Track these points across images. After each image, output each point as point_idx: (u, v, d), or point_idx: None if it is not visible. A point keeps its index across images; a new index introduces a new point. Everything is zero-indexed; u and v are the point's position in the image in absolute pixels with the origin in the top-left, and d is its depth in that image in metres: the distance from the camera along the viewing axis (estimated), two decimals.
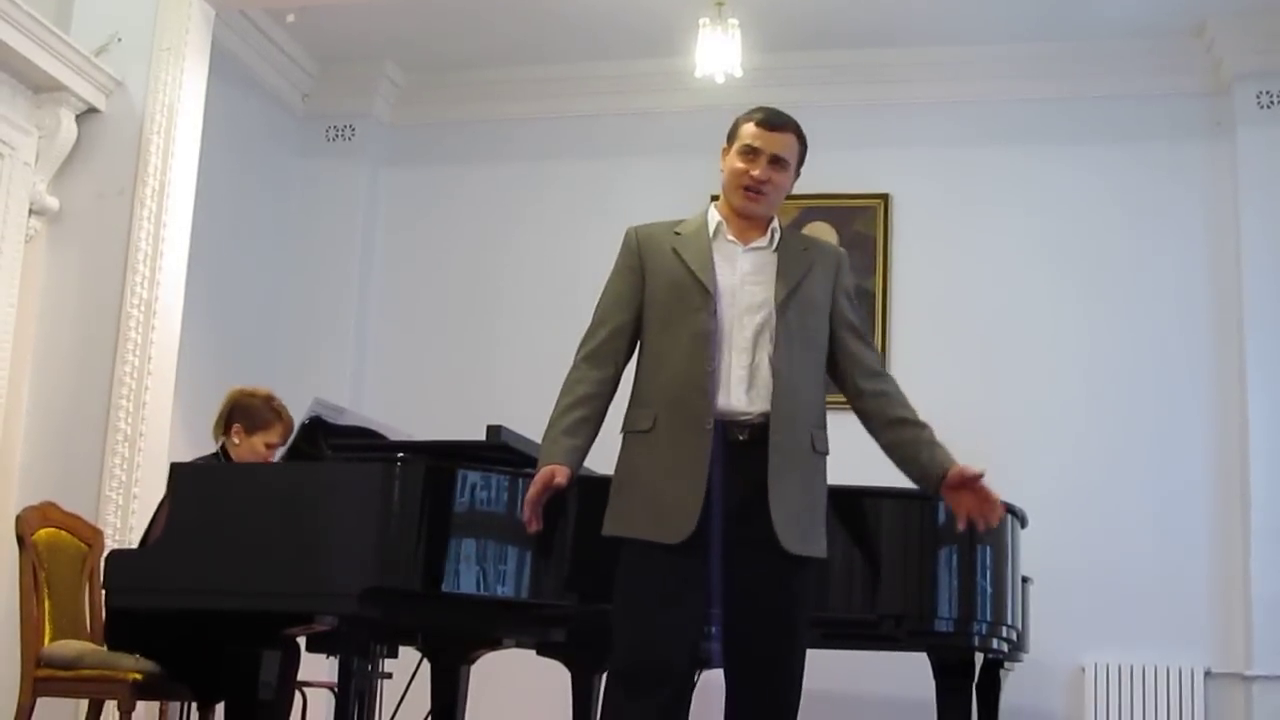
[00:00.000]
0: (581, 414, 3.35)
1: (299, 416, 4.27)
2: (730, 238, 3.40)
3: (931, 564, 4.33)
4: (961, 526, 3.32)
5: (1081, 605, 6.40)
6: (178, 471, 4.18)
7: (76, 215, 5.66)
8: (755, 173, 3.37)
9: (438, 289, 7.53)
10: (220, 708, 4.69)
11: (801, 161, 3.50)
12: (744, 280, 3.33)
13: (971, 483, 3.38)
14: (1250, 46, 6.65)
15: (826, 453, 3.40)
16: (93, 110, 5.69)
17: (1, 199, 5.38)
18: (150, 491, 5.39)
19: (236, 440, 4.78)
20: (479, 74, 7.57)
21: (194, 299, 5.97)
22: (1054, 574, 5.97)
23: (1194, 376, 6.63)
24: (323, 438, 4.22)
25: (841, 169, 7.09)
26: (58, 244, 5.63)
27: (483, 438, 4.01)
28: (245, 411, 4.81)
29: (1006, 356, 6.82)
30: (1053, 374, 6.76)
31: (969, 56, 7.06)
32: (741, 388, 3.25)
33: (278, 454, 4.66)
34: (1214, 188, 6.74)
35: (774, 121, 3.42)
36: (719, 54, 6.07)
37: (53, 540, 4.79)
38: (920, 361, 6.88)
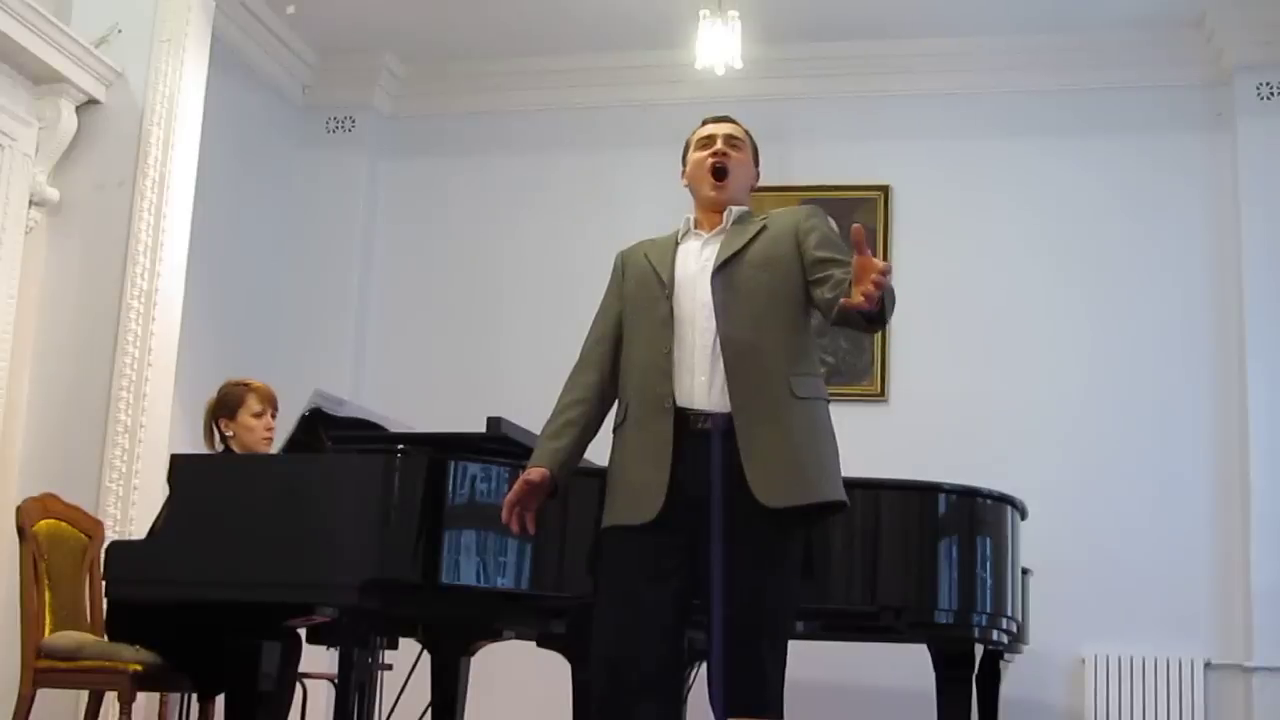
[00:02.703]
0: (566, 417, 3.41)
1: (299, 408, 4.27)
2: (696, 232, 3.47)
3: (931, 556, 4.34)
4: (860, 301, 2.97)
5: (1081, 596, 6.40)
6: (178, 463, 4.18)
7: (77, 206, 5.65)
8: (716, 146, 3.48)
9: (438, 280, 7.53)
10: (221, 699, 4.69)
11: (757, 154, 3.60)
12: (703, 266, 3.37)
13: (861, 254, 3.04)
14: (1250, 38, 6.64)
15: (816, 398, 3.31)
16: (93, 101, 5.69)
17: (2, 190, 5.38)
18: (150, 483, 5.40)
19: (230, 432, 4.79)
20: (479, 65, 7.57)
21: (194, 290, 5.97)
22: (1054, 565, 5.98)
23: (1194, 367, 6.63)
24: (323, 429, 4.22)
25: (842, 160, 7.12)
26: (58, 235, 5.63)
27: (483, 429, 4.01)
28: (219, 404, 4.85)
29: (1007, 347, 6.82)
30: (1053, 365, 6.76)
31: (969, 48, 7.06)
32: (704, 368, 3.26)
33: (280, 441, 4.66)
34: (1214, 179, 6.74)
35: (719, 116, 3.61)
36: (719, 46, 6.07)
37: (53, 531, 4.79)
38: (920, 353, 6.89)
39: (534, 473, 3.32)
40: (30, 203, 5.53)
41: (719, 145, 3.49)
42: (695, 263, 3.38)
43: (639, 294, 3.42)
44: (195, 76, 5.91)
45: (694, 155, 3.54)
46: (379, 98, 7.67)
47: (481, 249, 7.49)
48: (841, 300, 3.07)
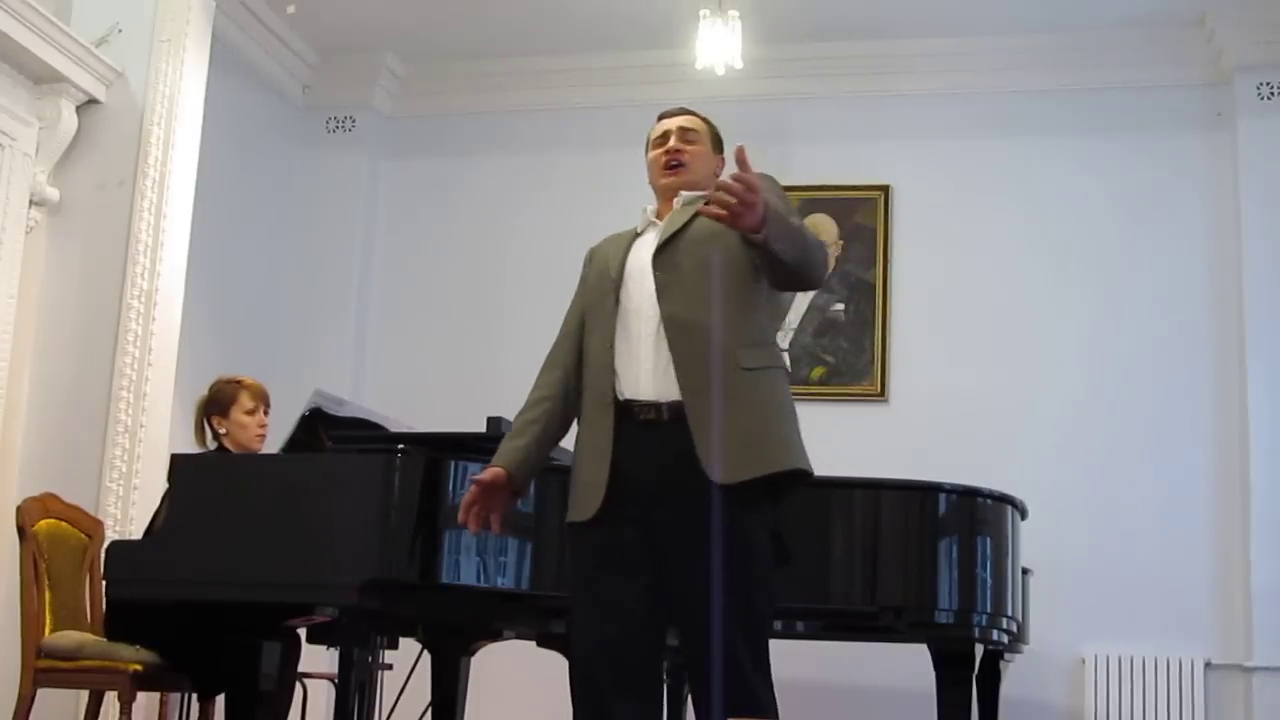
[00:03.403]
0: (527, 416, 3.38)
1: (299, 408, 4.27)
2: (656, 222, 3.42)
3: (931, 555, 4.34)
4: (713, 211, 2.95)
5: (1082, 596, 6.40)
6: (178, 463, 4.18)
7: (77, 206, 5.66)
8: (669, 144, 3.44)
9: (438, 280, 7.53)
10: (221, 699, 4.69)
11: (719, 142, 3.54)
12: (650, 252, 3.33)
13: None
14: (1251, 38, 6.64)
15: (766, 366, 3.22)
16: (93, 101, 5.69)
17: (2, 190, 5.38)
18: (151, 483, 5.40)
19: (222, 430, 4.79)
20: (479, 65, 7.57)
21: (194, 290, 5.97)
22: (1054, 565, 5.99)
23: (1194, 367, 6.63)
24: (323, 429, 4.22)
25: (842, 160, 7.12)
26: (58, 235, 5.63)
27: (483, 429, 4.01)
28: (211, 402, 4.84)
29: (1007, 347, 6.82)
30: (1053, 365, 6.76)
31: (969, 48, 7.06)
32: (649, 354, 3.20)
33: (280, 441, 4.66)
34: (1214, 179, 6.74)
35: (673, 110, 3.56)
36: (719, 46, 6.07)
37: (53, 531, 4.79)
38: (920, 352, 6.89)
39: (486, 472, 3.27)
40: (30, 203, 5.53)
41: (672, 142, 3.45)
42: (646, 253, 3.33)
43: (595, 290, 3.38)
44: (195, 76, 5.91)
45: (650, 155, 3.49)
46: (379, 98, 7.67)
47: (481, 249, 7.49)
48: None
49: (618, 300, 3.28)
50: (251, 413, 4.80)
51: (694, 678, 3.14)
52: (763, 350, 3.24)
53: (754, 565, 3.12)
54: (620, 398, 3.20)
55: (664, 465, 3.12)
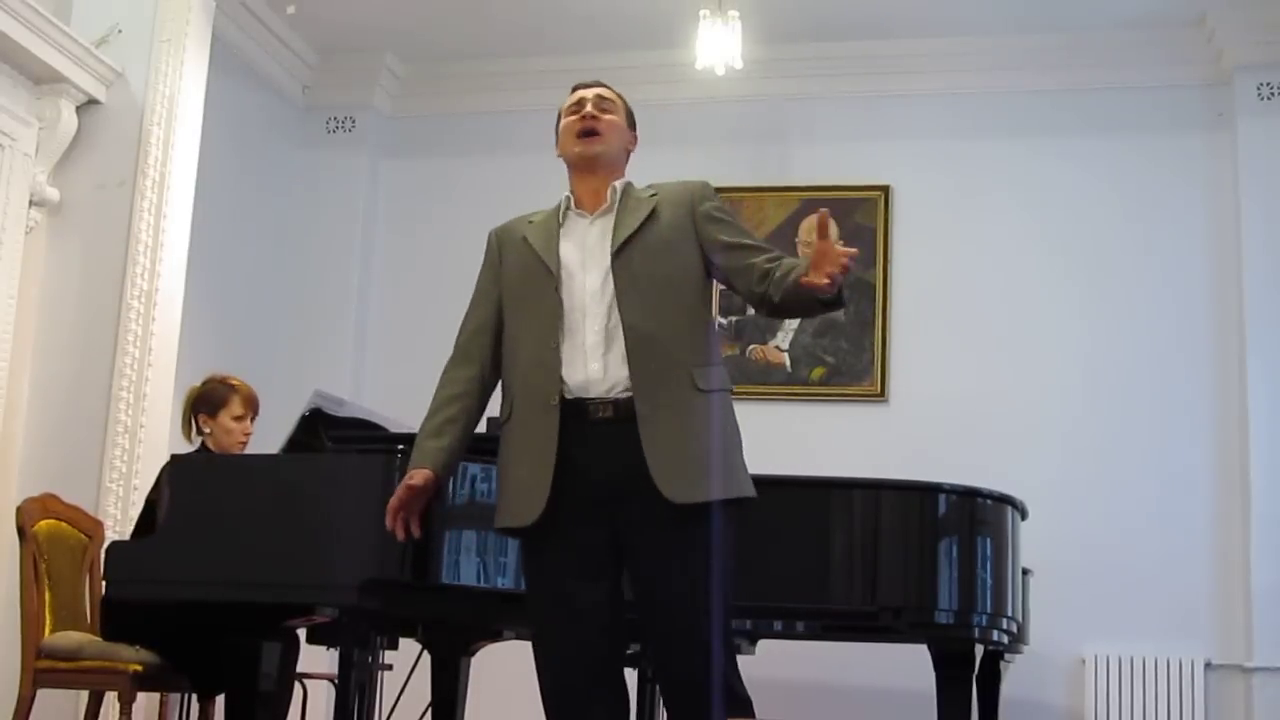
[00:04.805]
0: (445, 414, 3.29)
1: (299, 408, 4.27)
2: (578, 211, 3.33)
3: (931, 556, 4.34)
4: (821, 282, 2.92)
5: (1082, 596, 6.40)
6: (178, 463, 4.18)
7: (77, 207, 5.66)
8: (585, 109, 3.35)
9: (438, 281, 7.50)
10: (221, 699, 4.69)
11: (632, 119, 3.46)
12: (590, 249, 3.24)
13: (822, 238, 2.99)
14: (1251, 38, 6.64)
15: (719, 389, 3.19)
16: (93, 101, 5.69)
17: (2, 190, 5.38)
18: (150, 483, 5.39)
19: (208, 430, 4.78)
20: (479, 65, 7.57)
21: (194, 290, 5.97)
22: (1054, 565, 5.99)
23: (1194, 367, 6.63)
24: (323, 429, 4.22)
25: (842, 160, 7.11)
26: (58, 235, 5.63)
27: (484, 430, 4.01)
28: (203, 399, 4.82)
29: (1007, 348, 6.82)
30: (1053, 365, 6.76)
31: (969, 48, 7.06)
32: (597, 355, 3.13)
33: (280, 442, 4.66)
34: (1214, 179, 6.74)
35: (584, 82, 3.48)
36: (719, 46, 6.06)
37: (53, 532, 4.79)
38: (920, 353, 6.89)
39: (417, 475, 3.18)
40: (30, 203, 5.53)
41: (588, 109, 3.35)
42: (582, 248, 3.24)
43: (522, 283, 3.28)
44: (195, 76, 5.91)
45: (563, 123, 3.40)
46: (379, 98, 7.67)
47: (481, 249, 7.45)
48: (801, 280, 2.97)
49: (560, 300, 3.18)
50: (240, 419, 4.78)
51: (674, 680, 3.09)
52: (715, 371, 3.20)
53: (704, 579, 3.06)
54: (567, 396, 3.12)
55: (627, 464, 3.05)
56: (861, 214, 7.04)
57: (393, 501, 3.18)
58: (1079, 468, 6.58)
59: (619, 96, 3.44)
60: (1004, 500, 4.55)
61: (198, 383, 4.91)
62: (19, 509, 4.71)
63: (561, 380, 3.12)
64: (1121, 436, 6.61)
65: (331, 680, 4.81)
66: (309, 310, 7.41)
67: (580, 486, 3.08)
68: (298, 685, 5.07)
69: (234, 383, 4.85)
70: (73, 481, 5.22)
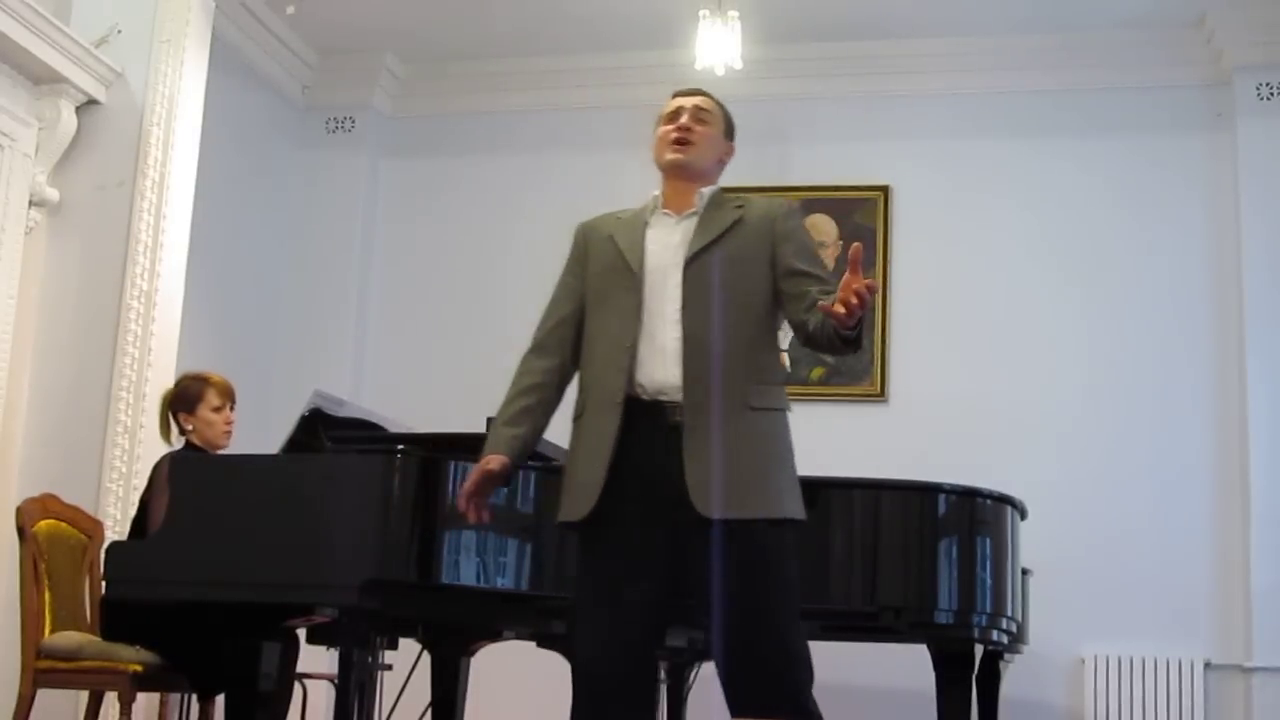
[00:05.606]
0: (524, 403, 3.31)
1: (299, 409, 4.27)
2: (666, 211, 3.35)
3: (931, 556, 4.34)
4: (839, 310, 2.93)
5: (1081, 597, 6.40)
6: (178, 462, 4.19)
7: (76, 207, 5.66)
8: (681, 120, 3.37)
9: (438, 281, 7.53)
10: (221, 699, 4.69)
11: (731, 129, 3.48)
12: (673, 252, 3.25)
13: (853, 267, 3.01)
14: (1250, 38, 6.64)
15: (774, 409, 3.21)
16: (93, 102, 5.69)
17: (2, 191, 5.38)
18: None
19: (189, 426, 4.79)
20: (479, 65, 7.57)
21: (194, 291, 5.97)
22: (1053, 565, 5.98)
23: (1194, 367, 6.63)
24: (322, 429, 4.22)
25: (841, 161, 7.11)
26: (58, 236, 5.63)
27: (483, 429, 4.01)
28: (178, 398, 4.85)
29: (1006, 348, 6.82)
30: (1053, 365, 6.76)
31: (969, 48, 7.06)
32: (676, 359, 3.15)
33: (280, 442, 4.66)
34: (1214, 179, 6.74)
35: (689, 89, 3.51)
36: (719, 46, 6.06)
37: (53, 532, 4.79)
38: (920, 353, 6.89)
39: (494, 461, 3.22)
40: (30, 203, 5.54)
41: (684, 119, 3.38)
42: (665, 251, 3.26)
43: (605, 280, 3.30)
44: (195, 76, 5.91)
45: (659, 130, 3.42)
46: (379, 98, 7.67)
47: (481, 249, 7.49)
48: (820, 303, 2.99)
49: (640, 300, 3.20)
50: (218, 410, 4.80)
51: (734, 697, 3.07)
52: (772, 390, 3.22)
53: (771, 579, 3.09)
54: (643, 397, 3.14)
55: (671, 472, 3.08)
56: (861, 214, 7.04)
57: (467, 485, 3.23)
58: (1079, 468, 6.58)
59: (720, 106, 3.47)
60: (1004, 500, 4.55)
61: (169, 387, 4.94)
62: (19, 509, 4.71)
63: (634, 380, 3.15)
64: (1121, 436, 6.61)
65: (331, 680, 4.81)
66: (309, 310, 7.41)
67: (638, 487, 3.10)
68: (298, 685, 5.07)
69: (206, 376, 4.87)
70: (73, 481, 5.22)
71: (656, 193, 3.39)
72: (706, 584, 3.07)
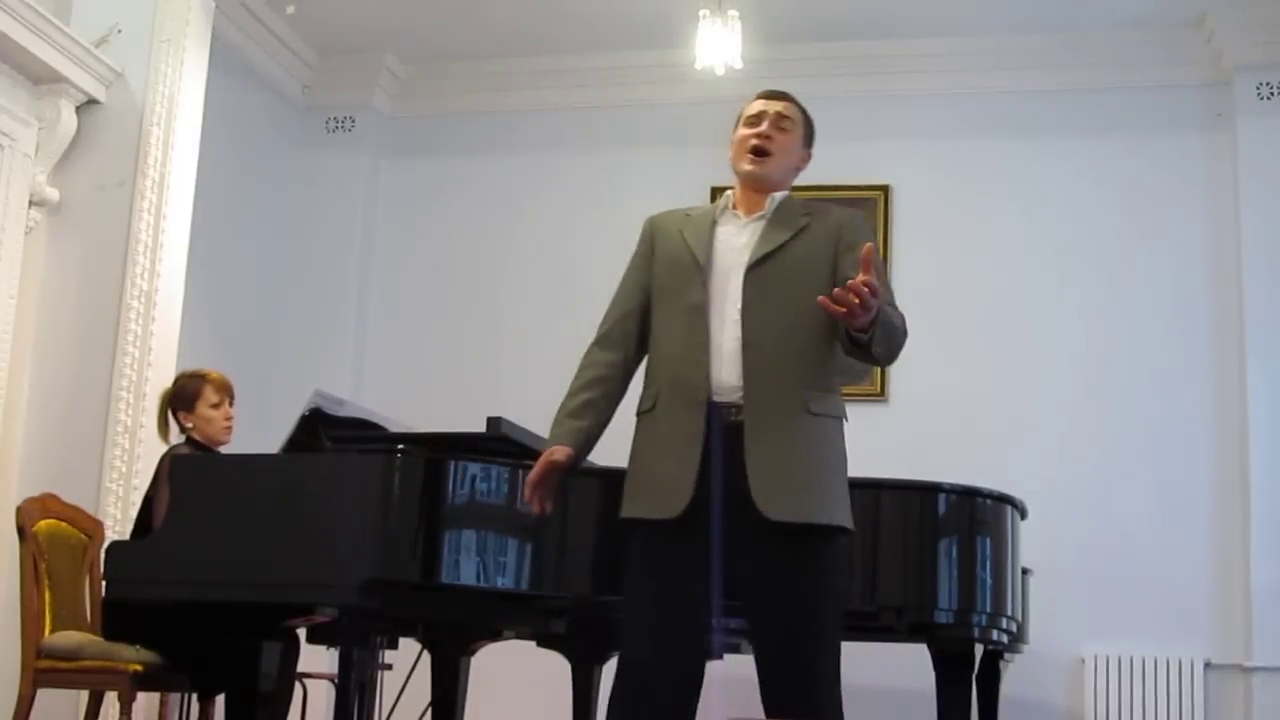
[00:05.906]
0: (588, 396, 3.32)
1: (299, 408, 4.27)
2: (737, 212, 3.36)
3: (931, 556, 4.33)
4: (836, 309, 2.94)
5: (1081, 596, 6.40)
6: (178, 462, 4.18)
7: (76, 207, 5.66)
8: (761, 128, 3.37)
9: (438, 280, 7.53)
10: (221, 699, 4.69)
11: (810, 136, 3.50)
12: (739, 253, 3.27)
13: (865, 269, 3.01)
14: (1250, 38, 6.64)
15: (832, 415, 3.25)
16: (93, 101, 5.69)
17: (2, 190, 5.38)
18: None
19: (189, 424, 4.80)
20: (479, 65, 7.57)
21: (194, 290, 5.97)
22: (1054, 565, 5.99)
23: (1194, 367, 6.63)
24: (323, 429, 4.22)
25: (842, 160, 7.08)
26: (58, 236, 5.63)
27: (483, 429, 4.01)
28: (176, 397, 4.86)
29: (1006, 347, 6.82)
30: (1053, 365, 6.77)
31: (969, 48, 7.06)
32: (735, 360, 3.17)
33: (280, 442, 4.66)
34: (1214, 179, 6.74)
35: (774, 92, 3.51)
36: (719, 46, 6.06)
37: (53, 531, 4.79)
38: (920, 353, 6.85)
39: (559, 451, 3.24)
40: (30, 203, 5.54)
41: (764, 126, 3.38)
42: (732, 250, 3.27)
43: (671, 275, 3.30)
44: (195, 76, 5.91)
45: (739, 132, 3.41)
46: (379, 98, 7.67)
47: (481, 249, 7.49)
48: (820, 298, 2.99)
49: (707, 297, 3.22)
50: (217, 406, 4.81)
51: (769, 698, 3.09)
52: (830, 399, 3.24)
53: (822, 587, 3.15)
54: (713, 398, 3.16)
55: (735, 474, 3.11)
56: (861, 214, 7.03)
57: (532, 476, 3.25)
58: (1078, 468, 6.58)
59: (802, 112, 3.48)
60: (1003, 500, 4.55)
61: (167, 385, 4.94)
62: (19, 509, 4.71)
63: (706, 377, 3.16)
64: (1121, 436, 6.61)
65: (331, 680, 4.82)
66: (309, 310, 7.42)
67: (711, 487, 3.11)
68: (298, 685, 5.07)
69: (203, 373, 4.88)
70: (73, 481, 5.22)
71: (729, 190, 3.41)
72: (756, 584, 3.10)
